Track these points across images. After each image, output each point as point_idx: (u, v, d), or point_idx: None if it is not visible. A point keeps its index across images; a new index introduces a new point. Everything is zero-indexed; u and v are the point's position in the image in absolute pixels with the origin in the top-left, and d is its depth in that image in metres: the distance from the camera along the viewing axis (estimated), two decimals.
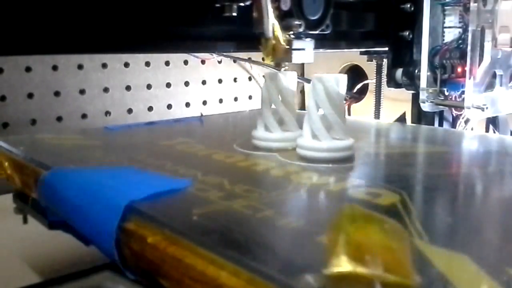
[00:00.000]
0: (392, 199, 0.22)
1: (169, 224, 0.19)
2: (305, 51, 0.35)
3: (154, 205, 0.21)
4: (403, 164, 0.30)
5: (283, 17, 0.33)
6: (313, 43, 0.36)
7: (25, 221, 0.32)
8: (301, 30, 0.34)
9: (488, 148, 0.36)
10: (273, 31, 0.32)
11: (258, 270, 0.15)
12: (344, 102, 0.68)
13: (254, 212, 0.20)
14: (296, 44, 0.34)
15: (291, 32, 0.34)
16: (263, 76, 0.34)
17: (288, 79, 0.33)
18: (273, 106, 0.34)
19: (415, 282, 0.14)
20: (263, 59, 0.35)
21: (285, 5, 0.33)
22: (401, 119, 0.54)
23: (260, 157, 0.31)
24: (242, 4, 0.33)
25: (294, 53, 0.34)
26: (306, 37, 0.35)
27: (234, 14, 0.33)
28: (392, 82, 0.46)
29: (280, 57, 0.34)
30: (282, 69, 0.35)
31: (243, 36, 0.36)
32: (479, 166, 0.31)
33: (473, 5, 0.39)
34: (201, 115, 0.48)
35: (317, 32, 0.36)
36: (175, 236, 0.18)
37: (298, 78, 0.68)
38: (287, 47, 0.33)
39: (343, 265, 0.14)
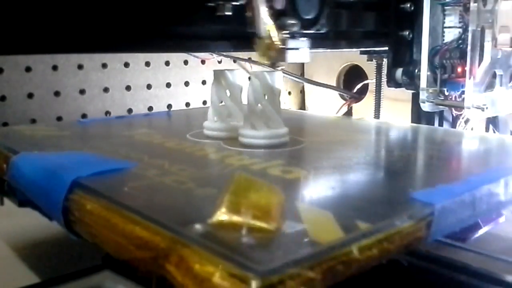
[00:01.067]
0: (298, 175, 0.26)
1: (104, 194, 0.22)
2: (300, 50, 0.35)
3: (96, 181, 0.25)
4: (325, 150, 0.34)
5: (277, 16, 0.33)
6: (308, 43, 0.35)
7: (1, 203, 0.34)
8: (295, 29, 0.34)
9: (409, 136, 0.41)
10: (267, 31, 0.33)
11: (162, 224, 0.19)
12: (344, 102, 0.68)
13: (179, 184, 0.24)
14: (291, 43, 0.34)
15: (286, 32, 0.34)
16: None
17: (236, 76, 0.37)
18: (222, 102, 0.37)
19: (274, 227, 0.18)
20: (249, 58, 0.36)
21: (279, 4, 0.33)
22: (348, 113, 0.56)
23: (206, 144, 0.35)
24: (235, 3, 0.33)
25: (289, 52, 0.34)
26: (302, 37, 0.35)
27: (228, 13, 0.34)
28: (392, 82, 0.46)
29: (275, 57, 0.34)
30: (278, 68, 0.35)
31: (238, 35, 0.36)
32: (387, 150, 0.36)
33: (473, 5, 0.39)
34: (169, 110, 0.49)
35: (312, 31, 0.36)
36: (108, 204, 0.22)
37: (298, 78, 0.68)
38: (282, 46, 0.33)
39: (221, 216, 0.19)
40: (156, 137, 0.37)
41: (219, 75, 0.37)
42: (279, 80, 0.34)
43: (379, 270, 0.19)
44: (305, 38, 0.35)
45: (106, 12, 0.32)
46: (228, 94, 0.37)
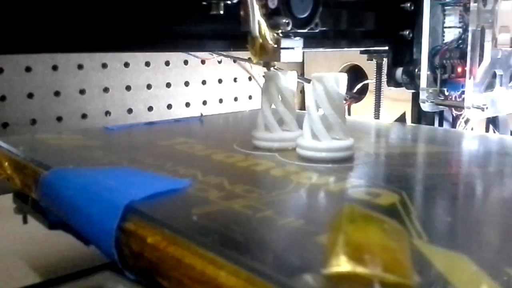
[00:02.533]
0: (392, 199, 0.22)
1: (168, 224, 0.19)
2: (294, 50, 0.34)
3: (153, 205, 0.21)
4: (402, 164, 0.30)
5: (271, 15, 0.32)
6: (302, 42, 0.35)
7: (25, 221, 0.32)
8: (288, 28, 0.33)
9: (487, 148, 0.36)
10: (260, 30, 0.32)
11: (257, 270, 0.15)
12: (344, 102, 0.68)
13: (254, 212, 0.21)
14: (285, 43, 0.33)
15: (279, 31, 0.33)
16: (263, 75, 0.34)
17: (288, 78, 0.33)
18: (273, 106, 0.34)
19: (414, 282, 0.14)
20: (249, 58, 0.34)
21: (272, 3, 0.32)
22: (401, 119, 0.54)
23: (260, 157, 0.31)
24: (229, 1, 0.33)
25: (283, 52, 0.33)
26: (296, 36, 0.34)
27: (221, 12, 0.33)
28: (392, 81, 0.46)
29: (268, 57, 0.33)
30: (271, 68, 0.34)
31: (233, 34, 0.35)
32: (478, 166, 0.31)
33: (473, 5, 0.39)
34: (201, 115, 0.48)
35: (305, 30, 0.35)
36: (174, 236, 0.18)
37: (298, 78, 0.68)
38: (275, 46, 0.33)
39: (342, 265, 0.14)
40: (198, 147, 0.34)
41: (271, 77, 0.33)
42: (343, 84, 0.30)
43: None
44: (298, 38, 0.35)
45: (102, 12, 0.32)
46: (280, 99, 0.34)
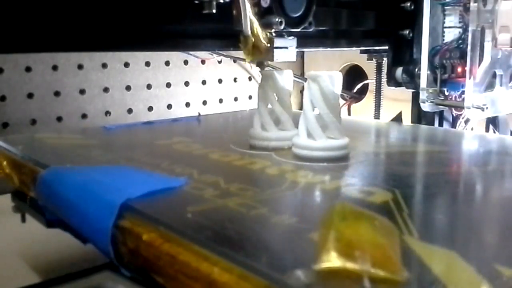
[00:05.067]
0: (385, 197, 0.22)
1: (163, 221, 0.19)
2: (287, 49, 0.34)
3: (149, 203, 0.21)
4: (397, 163, 0.30)
5: (263, 14, 0.32)
6: (295, 41, 0.34)
7: (23, 219, 0.32)
8: (281, 27, 0.33)
9: (484, 147, 0.37)
10: (252, 29, 0.32)
11: (250, 266, 0.15)
12: (344, 102, 0.68)
13: (248, 209, 0.21)
14: (278, 42, 0.33)
15: (272, 30, 0.33)
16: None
17: (284, 78, 0.33)
18: (269, 106, 0.34)
19: (403, 277, 0.14)
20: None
21: (265, 2, 0.32)
22: (397, 119, 0.54)
23: (256, 156, 0.31)
24: (221, 0, 0.32)
25: (276, 51, 0.33)
26: (290, 35, 0.34)
27: (214, 11, 0.32)
28: (392, 81, 0.46)
29: (261, 56, 0.33)
30: (265, 68, 0.34)
31: (226, 33, 0.35)
32: (473, 165, 0.31)
33: (473, 5, 0.39)
34: (199, 114, 0.48)
35: (299, 30, 0.35)
36: (169, 234, 0.18)
37: (297, 78, 0.68)
38: (268, 45, 0.32)
39: (332, 260, 0.14)
40: (195, 146, 0.34)
41: (267, 77, 0.33)
42: (338, 83, 0.30)
43: None
44: (292, 37, 0.34)
45: (100, 12, 0.32)
46: (276, 98, 0.34)
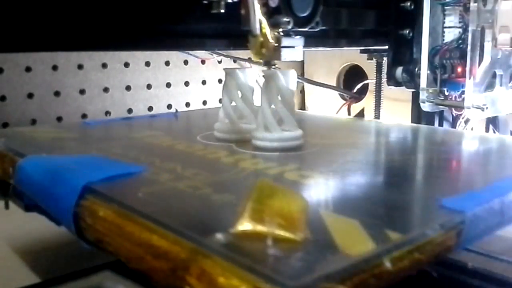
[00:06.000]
0: (317, 179, 0.26)
1: (117, 200, 0.22)
2: (294, 49, 0.34)
3: (108, 186, 0.24)
4: (342, 153, 0.33)
5: (271, 14, 0.33)
6: (303, 41, 0.35)
7: (6, 207, 0.34)
8: (289, 27, 0.33)
9: (412, 138, 0.40)
10: (261, 28, 0.32)
11: (182, 233, 0.18)
12: (344, 102, 0.68)
13: (194, 190, 0.24)
14: (285, 41, 0.34)
15: (280, 30, 0.33)
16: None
17: (247, 75, 0.36)
18: (233, 104, 0.36)
19: (301, 238, 0.17)
20: (249, 58, 0.35)
21: (273, 2, 0.33)
22: (360, 114, 0.56)
23: (218, 147, 0.34)
24: (230, 0, 0.33)
25: (283, 51, 0.33)
26: (297, 35, 0.35)
27: (222, 11, 0.33)
28: (392, 81, 0.46)
29: (269, 55, 0.33)
30: (272, 67, 0.35)
31: (233, 33, 0.35)
32: (402, 153, 0.34)
33: (473, 5, 0.39)
34: (176, 110, 0.50)
35: (306, 29, 0.35)
36: (121, 210, 0.21)
37: (298, 78, 0.68)
38: (276, 44, 0.33)
39: (245, 225, 0.18)
40: (165, 139, 0.37)
41: (230, 74, 0.36)
42: (293, 80, 0.33)
43: (407, 282, 0.18)
44: (299, 36, 0.35)
45: (102, 10, 0.32)
46: (240, 94, 0.36)
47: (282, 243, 0.17)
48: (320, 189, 0.25)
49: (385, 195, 0.24)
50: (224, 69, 0.37)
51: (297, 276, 0.15)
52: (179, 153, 0.32)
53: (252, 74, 0.36)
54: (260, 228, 0.17)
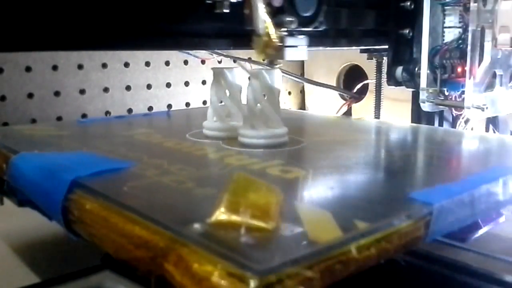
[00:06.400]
0: (297, 174, 0.26)
1: (103, 193, 0.22)
2: (298, 48, 0.35)
3: (96, 181, 0.25)
4: (325, 150, 0.34)
5: (275, 13, 0.33)
6: (306, 41, 0.35)
7: (1, 202, 0.35)
8: (293, 26, 0.34)
9: (406, 137, 0.41)
10: (265, 28, 0.32)
11: (162, 223, 0.19)
12: (344, 102, 0.68)
13: (178, 184, 0.24)
14: (289, 41, 0.34)
15: (284, 29, 0.34)
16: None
17: (235, 75, 0.37)
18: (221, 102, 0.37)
19: (273, 226, 0.18)
20: (249, 58, 0.36)
21: (277, 2, 0.33)
22: (347, 113, 0.56)
23: (205, 144, 0.35)
24: (234, 0, 0.33)
25: (287, 50, 0.34)
26: (300, 34, 0.35)
27: (226, 10, 0.34)
28: (392, 80, 0.46)
29: (273, 55, 0.34)
30: (276, 66, 0.35)
31: (237, 33, 0.36)
32: (387, 150, 0.36)
33: (473, 5, 0.39)
34: (168, 109, 0.50)
35: (310, 29, 0.36)
36: (106, 203, 0.22)
37: (298, 77, 0.68)
38: (280, 44, 0.33)
39: (220, 215, 0.19)
40: (155, 137, 0.37)
41: (218, 74, 0.37)
42: (278, 79, 0.34)
43: (377, 270, 0.19)
44: (303, 36, 0.35)
45: (105, 10, 0.32)
46: (228, 93, 0.37)
47: (254, 232, 0.18)
48: (298, 184, 0.25)
49: (359, 189, 0.26)
50: (212, 68, 0.37)
51: (266, 261, 0.15)
52: (168, 150, 0.33)
53: (240, 73, 0.37)
54: (234, 218, 0.18)
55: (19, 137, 0.38)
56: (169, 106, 0.63)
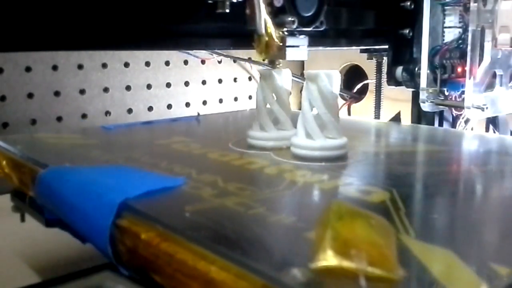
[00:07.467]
0: (382, 196, 0.22)
1: (161, 220, 0.19)
2: (299, 48, 0.34)
3: (147, 203, 0.21)
4: (395, 162, 0.30)
5: (276, 13, 0.33)
6: (307, 40, 0.35)
7: (22, 219, 0.32)
8: (294, 26, 0.33)
9: (484, 147, 0.37)
10: (266, 28, 0.32)
11: (247, 265, 0.15)
12: (344, 102, 0.68)
13: (246, 209, 0.21)
14: (290, 41, 0.34)
15: (285, 29, 0.33)
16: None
17: (283, 77, 0.34)
18: (268, 106, 0.34)
19: (398, 276, 0.14)
20: (249, 58, 0.35)
21: (278, 2, 0.33)
22: (396, 118, 0.55)
23: (254, 155, 0.31)
24: (234, 0, 0.33)
25: (288, 50, 0.34)
26: (300, 34, 0.35)
27: (227, 10, 0.33)
28: (392, 80, 0.46)
29: (273, 54, 0.33)
30: (277, 66, 0.35)
31: (238, 33, 0.35)
32: (472, 164, 0.31)
33: (473, 5, 0.39)
34: (198, 114, 0.48)
35: (310, 29, 0.36)
36: (167, 233, 0.18)
37: (297, 77, 0.68)
38: (281, 44, 0.33)
39: (329, 259, 0.14)
40: (194, 146, 0.34)
41: (266, 76, 0.34)
42: (337, 82, 0.30)
43: None
44: (303, 36, 0.35)
45: (106, 10, 0.32)
46: (275, 98, 0.34)
47: (376, 283, 0.14)
48: (390, 210, 0.21)
49: (473, 216, 0.20)
50: (259, 70, 0.35)
51: None
52: (215, 163, 0.30)
53: (288, 76, 0.34)
54: (347, 264, 0.14)
55: (43, 147, 0.35)
56: (169, 106, 0.63)
